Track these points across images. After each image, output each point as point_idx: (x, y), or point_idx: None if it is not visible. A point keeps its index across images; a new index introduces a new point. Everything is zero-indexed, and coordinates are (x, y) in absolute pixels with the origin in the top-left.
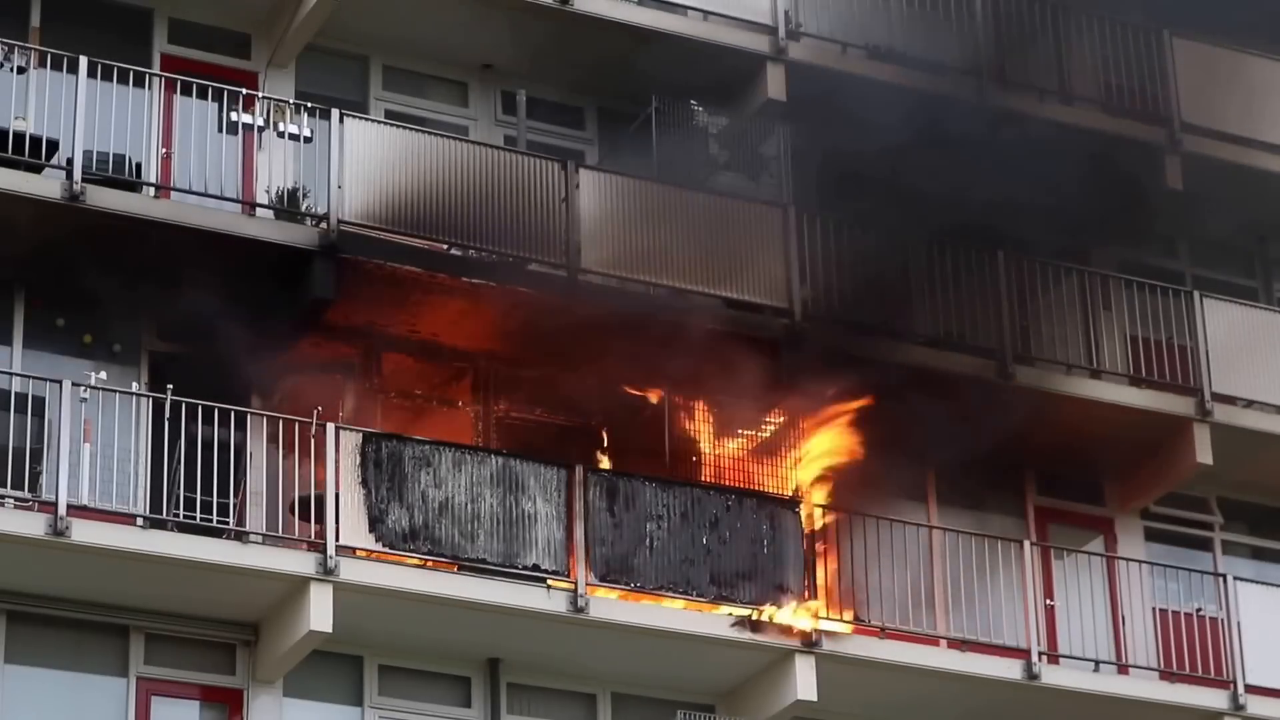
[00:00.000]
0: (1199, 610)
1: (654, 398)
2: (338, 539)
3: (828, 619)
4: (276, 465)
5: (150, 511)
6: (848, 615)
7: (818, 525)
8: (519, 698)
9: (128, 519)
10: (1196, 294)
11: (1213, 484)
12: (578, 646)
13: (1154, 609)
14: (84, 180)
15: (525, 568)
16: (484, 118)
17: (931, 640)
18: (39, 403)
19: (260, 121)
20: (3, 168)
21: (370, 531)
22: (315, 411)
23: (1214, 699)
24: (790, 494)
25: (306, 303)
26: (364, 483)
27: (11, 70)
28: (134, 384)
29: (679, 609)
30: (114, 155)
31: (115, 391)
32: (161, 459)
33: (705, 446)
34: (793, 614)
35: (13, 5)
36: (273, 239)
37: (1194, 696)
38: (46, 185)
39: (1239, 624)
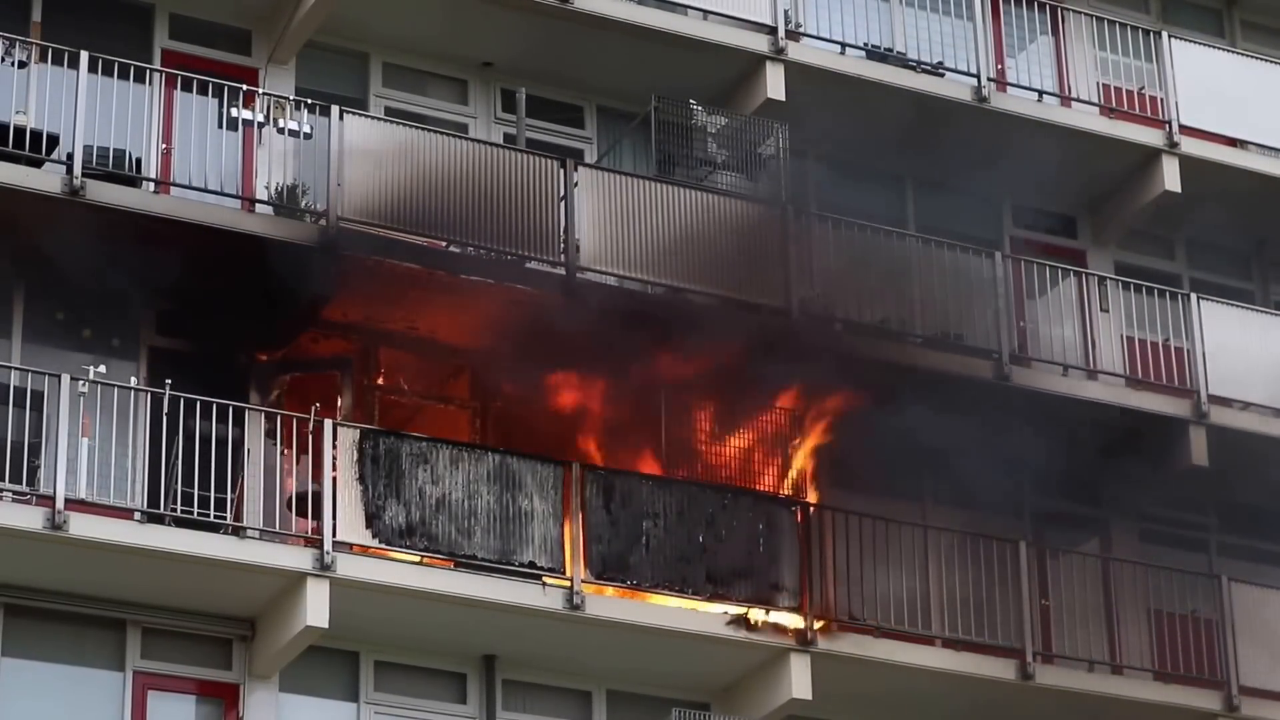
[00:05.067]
0: (1194, 611)
1: (651, 396)
2: (334, 535)
3: (822, 617)
4: (274, 461)
5: (148, 506)
6: (843, 614)
7: (813, 524)
8: (514, 694)
9: (125, 513)
10: (1194, 296)
11: (1209, 485)
12: (573, 644)
13: (1149, 610)
14: (84, 175)
15: (521, 565)
16: (483, 115)
17: (926, 640)
18: (37, 397)
19: (260, 118)
20: (3, 162)
21: (367, 528)
22: (313, 408)
23: (1208, 700)
24: (786, 492)
25: (305, 299)
26: (361, 479)
27: (12, 65)
28: (132, 379)
29: (675, 607)
30: (114, 150)
31: (114, 386)
32: (159, 454)
33: (702, 444)
34: (787, 612)
35: (14, 0)
36: (272, 235)
37: (1188, 697)
38: (47, 180)
39: (1233, 625)
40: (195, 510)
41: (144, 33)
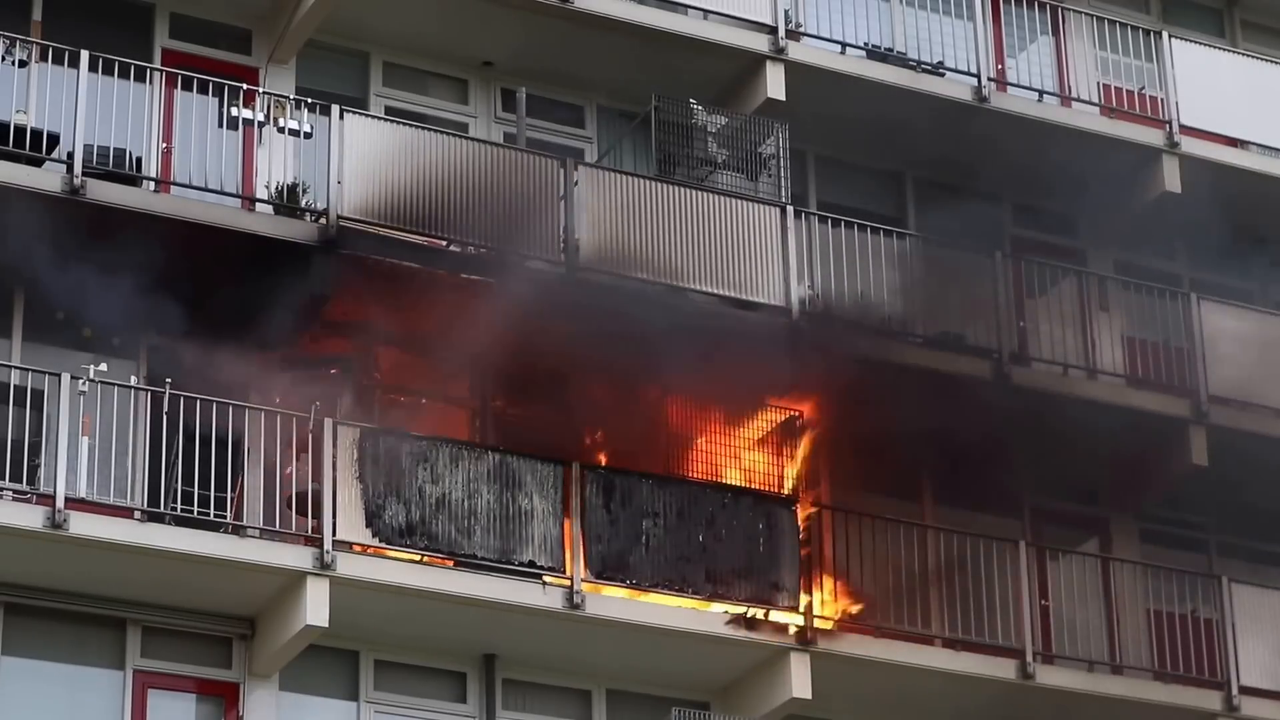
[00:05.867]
0: (1193, 611)
1: (651, 395)
2: (334, 534)
3: (822, 617)
4: (274, 460)
5: (148, 505)
6: (842, 613)
7: (813, 523)
8: (514, 694)
9: (125, 512)
10: (1194, 296)
11: (1209, 485)
12: (573, 643)
13: (1149, 610)
14: (84, 174)
15: (521, 564)
16: (484, 115)
17: (926, 639)
18: (38, 396)
19: (260, 117)
20: (3, 161)
21: (367, 527)
22: (313, 407)
23: (1208, 700)
24: (786, 492)
25: (305, 298)
26: (361, 478)
27: (13, 64)
28: (132, 378)
29: (675, 606)
30: (114, 149)
31: (114, 385)
32: (159, 453)
33: (702, 444)
34: (787, 612)
35: None
36: (272, 234)
37: (1188, 697)
38: (47, 179)
39: (1233, 625)
40: (195, 509)
41: (144, 32)
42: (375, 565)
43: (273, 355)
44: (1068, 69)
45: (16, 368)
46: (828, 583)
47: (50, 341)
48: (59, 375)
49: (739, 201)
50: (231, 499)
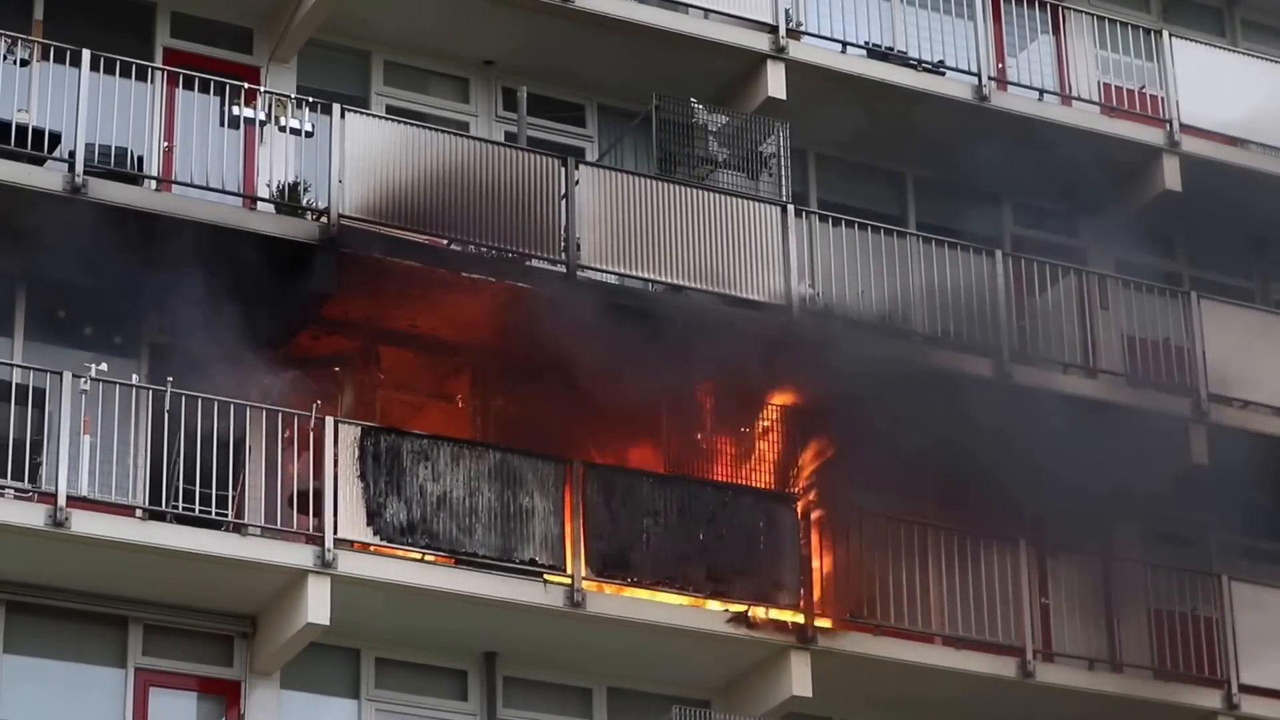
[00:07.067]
0: (1193, 610)
1: (651, 393)
2: (336, 532)
3: (823, 615)
4: (275, 458)
5: (149, 503)
6: (843, 612)
7: (814, 522)
8: (515, 691)
9: (127, 510)
10: (1194, 295)
11: (1209, 485)
12: (574, 641)
13: (1149, 608)
14: (86, 173)
15: (522, 562)
16: (485, 114)
17: (926, 637)
18: (39, 394)
19: (262, 116)
20: (5, 160)
21: (368, 525)
22: (314, 405)
23: (1208, 698)
24: (787, 490)
25: (306, 296)
26: (362, 476)
27: (14, 63)
28: (134, 376)
29: (675, 604)
30: (116, 148)
31: (115, 384)
32: (161, 451)
33: (702, 442)
34: (788, 610)
35: None
36: (273, 233)
37: (1188, 696)
38: (48, 178)
39: (1233, 624)
40: (197, 507)
41: (146, 31)
42: (376, 563)
43: (274, 354)
44: (1068, 68)
45: (18, 366)
46: (828, 581)
47: (52, 340)
48: (60, 374)
49: (739, 200)
50: (233, 497)
